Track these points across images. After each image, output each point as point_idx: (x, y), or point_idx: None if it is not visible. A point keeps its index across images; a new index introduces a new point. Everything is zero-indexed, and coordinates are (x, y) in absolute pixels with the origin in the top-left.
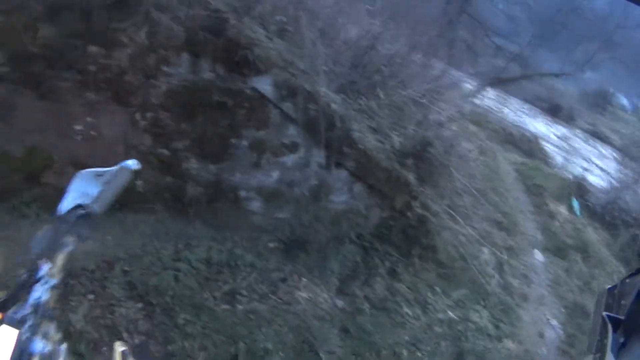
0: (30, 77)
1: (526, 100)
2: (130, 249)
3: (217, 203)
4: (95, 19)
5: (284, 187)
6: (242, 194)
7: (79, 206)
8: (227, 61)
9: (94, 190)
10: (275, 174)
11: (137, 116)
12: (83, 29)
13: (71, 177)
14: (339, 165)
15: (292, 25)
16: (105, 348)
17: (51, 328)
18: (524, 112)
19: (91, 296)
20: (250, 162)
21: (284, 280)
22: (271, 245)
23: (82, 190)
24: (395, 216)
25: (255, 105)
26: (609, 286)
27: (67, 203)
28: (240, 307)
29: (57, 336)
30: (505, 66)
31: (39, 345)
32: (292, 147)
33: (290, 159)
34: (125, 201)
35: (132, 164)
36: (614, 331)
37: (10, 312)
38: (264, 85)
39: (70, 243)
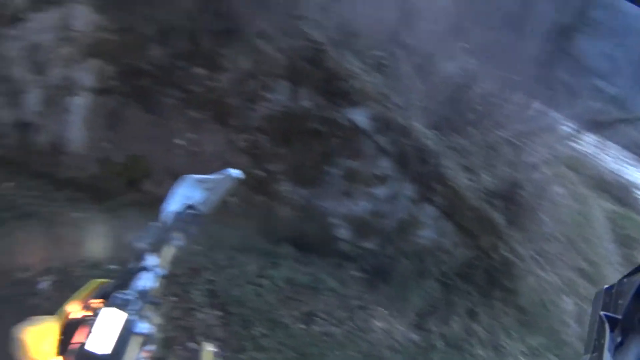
0: (138, 92)
1: (624, 146)
2: (217, 260)
3: (306, 227)
4: (202, 43)
5: (372, 217)
6: (331, 220)
7: (188, 206)
8: (325, 91)
9: (197, 194)
10: (364, 204)
11: (236, 137)
12: (190, 51)
13: (170, 185)
14: (428, 200)
15: (389, 60)
16: (178, 347)
17: (154, 313)
18: (621, 159)
19: (174, 298)
20: (341, 190)
21: (362, 308)
22: (354, 273)
23: (185, 193)
24: (480, 256)
25: (350, 136)
26: (606, 286)
27: (172, 203)
28: (316, 328)
29: (159, 320)
30: (603, 109)
31: (143, 327)
32: (383, 179)
33: (380, 191)
34: (217, 214)
35: (236, 172)
36: (611, 331)
37: (115, 296)
38: (359, 116)
39: (178, 238)
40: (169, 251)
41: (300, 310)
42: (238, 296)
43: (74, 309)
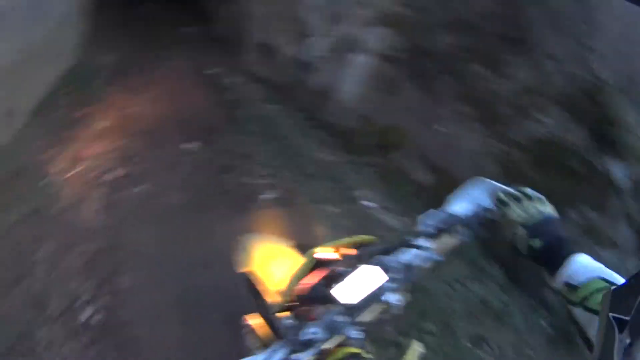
0: (417, 69)
1: None
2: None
3: (524, 259)
4: (488, 43)
5: None
6: None
7: (484, 208)
8: (593, 132)
9: (485, 201)
10: None
11: (494, 144)
12: (475, 47)
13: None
14: None
15: None
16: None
17: (407, 289)
18: None
19: None
20: (572, 237)
21: (531, 358)
22: (544, 324)
23: (478, 195)
24: None
25: (601, 187)
26: (614, 287)
27: (465, 201)
28: (478, 352)
29: (408, 297)
30: None
31: (393, 297)
32: (615, 245)
33: (607, 255)
34: None
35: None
36: (620, 332)
37: (382, 259)
38: (619, 171)
39: (464, 234)
40: (450, 242)
41: (475, 330)
42: (427, 288)
43: (322, 252)
